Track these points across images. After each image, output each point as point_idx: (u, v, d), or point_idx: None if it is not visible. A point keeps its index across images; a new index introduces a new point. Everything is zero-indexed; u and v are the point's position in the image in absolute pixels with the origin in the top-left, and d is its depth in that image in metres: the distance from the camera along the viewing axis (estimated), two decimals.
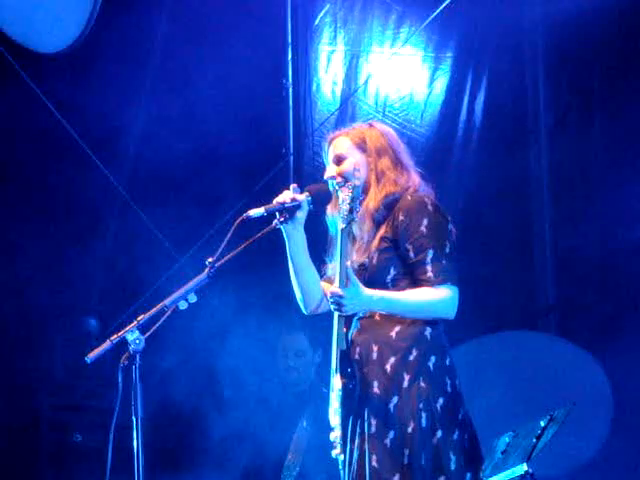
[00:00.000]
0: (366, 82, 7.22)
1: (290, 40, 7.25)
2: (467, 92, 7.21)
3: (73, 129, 6.66)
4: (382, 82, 7.23)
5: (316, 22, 7.31)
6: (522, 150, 7.29)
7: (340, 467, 3.97)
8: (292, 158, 7.20)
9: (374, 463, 3.81)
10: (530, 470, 3.80)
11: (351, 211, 3.84)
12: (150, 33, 6.89)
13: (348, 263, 3.82)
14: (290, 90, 7.24)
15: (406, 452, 3.80)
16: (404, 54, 7.24)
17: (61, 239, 6.68)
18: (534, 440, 3.80)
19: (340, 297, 3.79)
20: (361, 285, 3.82)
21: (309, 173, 7.07)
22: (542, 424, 3.81)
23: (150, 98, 6.92)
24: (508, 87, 7.25)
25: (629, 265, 6.74)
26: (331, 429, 3.90)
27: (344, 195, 3.86)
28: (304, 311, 4.18)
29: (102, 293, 6.93)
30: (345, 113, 7.13)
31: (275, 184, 4.09)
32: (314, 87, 7.26)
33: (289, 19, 7.27)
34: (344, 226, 3.84)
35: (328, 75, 7.28)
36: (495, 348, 6.82)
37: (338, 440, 3.88)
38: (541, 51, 7.27)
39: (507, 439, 3.91)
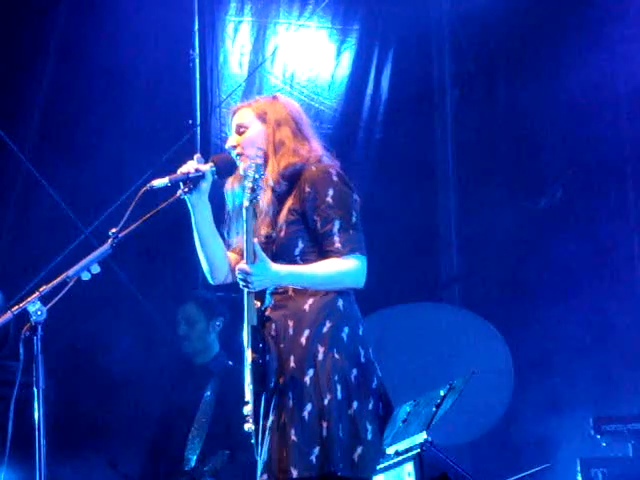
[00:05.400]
0: (273, 54, 7.20)
1: (197, 10, 7.19)
2: (374, 65, 7.26)
3: None
4: (289, 54, 7.23)
5: None
6: (428, 123, 7.37)
7: (252, 441, 3.96)
8: (199, 129, 7.15)
9: (293, 437, 3.80)
10: (430, 438, 3.86)
11: (254, 190, 3.83)
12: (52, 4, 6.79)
13: (255, 240, 3.80)
14: (197, 61, 7.15)
15: (324, 425, 3.80)
16: (311, 26, 7.25)
17: None
18: (434, 409, 3.85)
19: (247, 274, 3.77)
20: (269, 261, 3.80)
21: (216, 145, 7.03)
22: (442, 393, 3.86)
23: (54, 67, 6.81)
24: (415, 60, 7.32)
25: (529, 240, 6.89)
26: (245, 402, 3.90)
27: (248, 172, 3.85)
28: (211, 282, 4.13)
29: (5, 264, 6.83)
30: (252, 85, 7.10)
31: (182, 156, 4.04)
32: (221, 58, 7.20)
33: None
34: (248, 204, 3.83)
35: (235, 46, 7.22)
36: (398, 320, 6.88)
37: (250, 414, 3.88)
38: (447, 24, 7.34)
39: (408, 408, 3.95)
